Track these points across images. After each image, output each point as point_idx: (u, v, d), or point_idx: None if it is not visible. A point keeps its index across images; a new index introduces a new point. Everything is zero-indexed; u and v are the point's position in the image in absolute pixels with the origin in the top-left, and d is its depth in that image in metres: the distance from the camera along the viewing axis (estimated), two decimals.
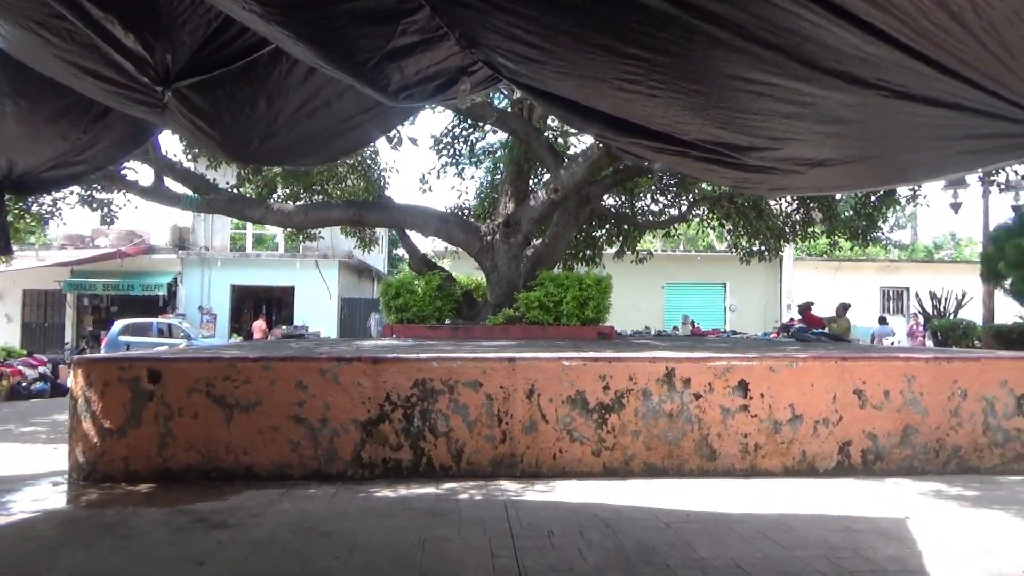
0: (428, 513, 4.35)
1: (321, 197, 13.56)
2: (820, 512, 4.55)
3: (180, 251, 25.17)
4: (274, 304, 27.31)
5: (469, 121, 12.10)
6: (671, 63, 2.42)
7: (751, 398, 5.64)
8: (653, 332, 15.72)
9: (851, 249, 25.39)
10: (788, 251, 24.30)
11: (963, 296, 15.75)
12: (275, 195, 13.61)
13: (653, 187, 14.55)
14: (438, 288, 11.00)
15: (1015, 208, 13.16)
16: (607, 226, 15.51)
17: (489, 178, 15.58)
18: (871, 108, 2.69)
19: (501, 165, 13.62)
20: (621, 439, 5.56)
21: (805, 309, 13.82)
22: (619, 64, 2.46)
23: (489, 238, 10.72)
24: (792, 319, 13.99)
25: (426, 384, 5.49)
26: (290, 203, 11.85)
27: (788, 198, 14.18)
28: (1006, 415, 5.76)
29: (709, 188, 14.94)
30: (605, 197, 14.38)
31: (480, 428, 5.50)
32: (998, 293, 12.60)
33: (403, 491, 4.97)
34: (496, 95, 13.09)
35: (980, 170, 5.17)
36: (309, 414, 5.39)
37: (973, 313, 15.33)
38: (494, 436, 5.51)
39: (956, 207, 13.77)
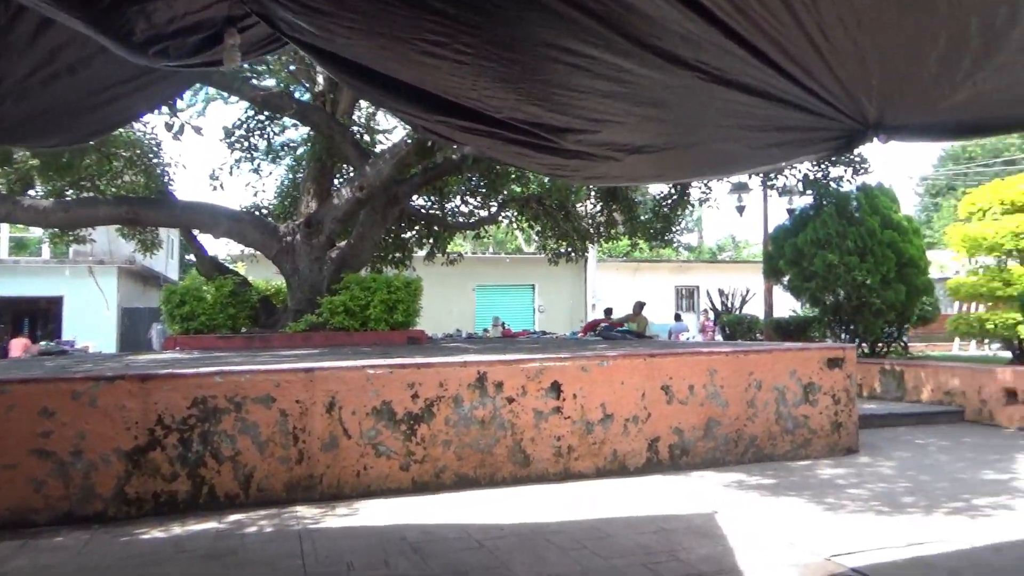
0: (205, 555, 3.73)
1: (92, 195, 11.93)
2: (634, 514, 4.49)
3: None
4: (40, 317, 23.97)
5: (266, 113, 11.18)
6: (482, 23, 2.11)
7: (564, 399, 5.54)
8: (464, 335, 15.61)
9: (650, 249, 27.10)
10: (592, 253, 25.40)
11: (747, 293, 17.21)
12: (33, 191, 11.79)
13: (463, 188, 14.43)
14: (231, 294, 10.04)
15: (789, 211, 14.50)
16: (417, 227, 15.16)
17: (291, 176, 14.64)
18: (689, 91, 2.57)
19: (304, 162, 12.79)
20: (431, 450, 5.22)
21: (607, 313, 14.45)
22: (423, 21, 2.11)
23: (289, 239, 9.95)
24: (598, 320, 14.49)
25: (207, 402, 4.81)
26: (50, 199, 10.26)
27: (592, 199, 14.68)
28: (795, 403, 6.13)
29: (518, 189, 15.11)
30: (414, 197, 14.04)
31: (273, 449, 4.92)
32: (777, 289, 13.83)
33: (177, 530, 4.27)
34: (297, 88, 12.28)
35: (786, 164, 5.46)
36: (57, 446, 4.51)
37: (756, 308, 16.83)
38: (289, 457, 4.94)
39: (740, 210, 15.01)
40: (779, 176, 12.90)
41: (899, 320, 11.11)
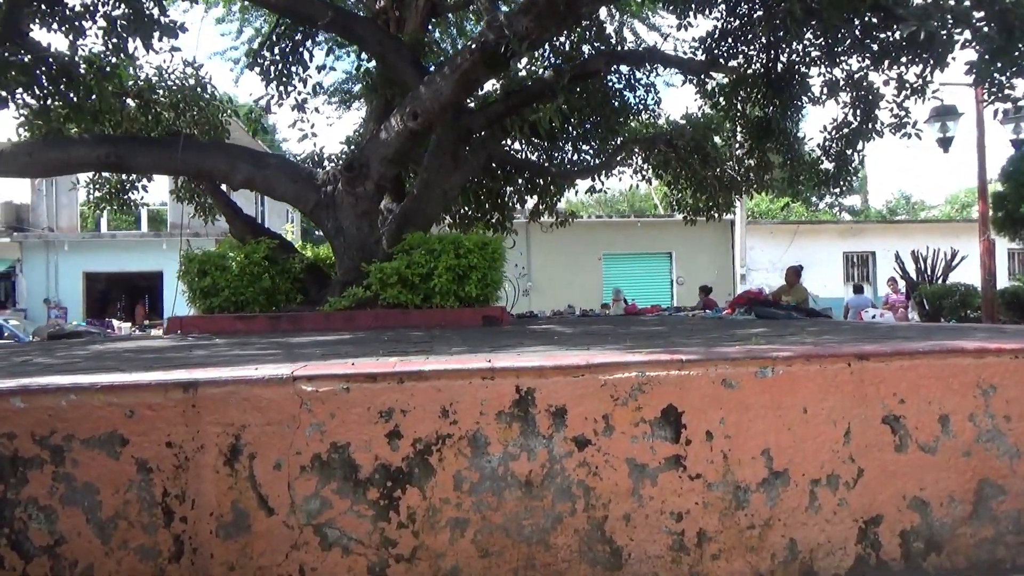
0: None
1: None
2: None
3: (16, 233, 21.39)
4: (142, 292, 23.71)
5: (300, 28, 9.00)
6: None
7: (688, 442, 2.98)
8: (578, 312, 13.11)
9: (810, 208, 23.32)
10: (740, 213, 22.06)
11: (953, 256, 13.46)
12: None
13: (570, 128, 11.78)
14: (266, 261, 8.10)
15: (1015, 142, 10.88)
16: (520, 181, 12.71)
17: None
18: None
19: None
20: (428, 539, 2.83)
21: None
22: None
23: (329, 188, 7.84)
24: (752, 290, 11.56)
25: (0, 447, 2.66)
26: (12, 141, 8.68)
27: (739, 136, 11.67)
28: None
29: (640, 128, 12.38)
30: (510, 143, 11.62)
31: (127, 532, 2.72)
32: (1000, 250, 10.34)
33: None
34: (357, 9, 10.16)
35: None
36: None
37: (965, 276, 13.14)
38: (158, 548, 2.73)
39: (946, 143, 11.43)
40: (1006, 87, 9.33)
41: None
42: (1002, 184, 9.45)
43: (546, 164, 12.53)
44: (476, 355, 3.34)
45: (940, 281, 12.84)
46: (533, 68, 8.33)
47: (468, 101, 8.29)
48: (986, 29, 7.08)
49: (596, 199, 32.49)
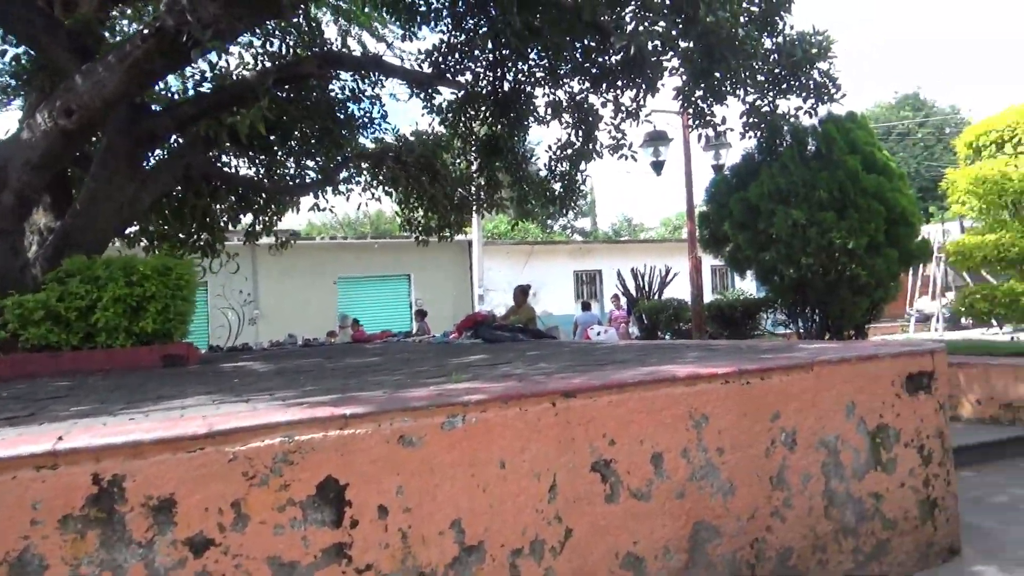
0: None
1: None
2: None
3: None
4: None
5: None
6: None
7: (354, 523, 2.29)
8: (300, 341, 12.02)
9: (544, 229, 24.26)
10: (477, 234, 22.23)
11: (667, 272, 14.44)
12: None
13: (292, 142, 10.77)
14: None
15: (715, 167, 11.85)
16: (232, 197, 11.38)
17: None
18: None
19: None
20: None
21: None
22: None
23: None
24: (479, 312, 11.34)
25: None
26: None
27: (469, 155, 11.46)
28: (857, 471, 3.13)
29: (368, 144, 11.73)
30: (220, 154, 10.34)
31: None
32: (706, 267, 11.14)
33: None
34: None
35: None
36: None
37: (677, 291, 14.16)
38: None
39: (658, 166, 12.22)
40: (709, 115, 9.99)
41: (884, 298, 8.49)
42: (706, 206, 10.22)
43: (264, 179, 11.37)
44: (43, 429, 2.36)
45: (656, 297, 13.74)
46: (239, 68, 7.30)
47: (149, 99, 7.03)
48: (690, 52, 7.37)
49: (340, 221, 31.22)
